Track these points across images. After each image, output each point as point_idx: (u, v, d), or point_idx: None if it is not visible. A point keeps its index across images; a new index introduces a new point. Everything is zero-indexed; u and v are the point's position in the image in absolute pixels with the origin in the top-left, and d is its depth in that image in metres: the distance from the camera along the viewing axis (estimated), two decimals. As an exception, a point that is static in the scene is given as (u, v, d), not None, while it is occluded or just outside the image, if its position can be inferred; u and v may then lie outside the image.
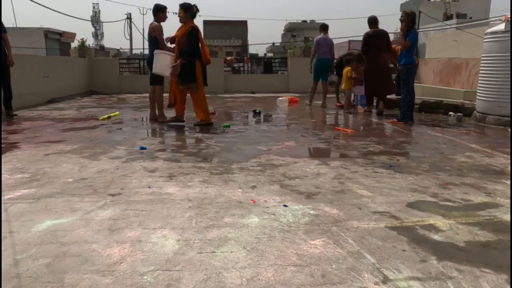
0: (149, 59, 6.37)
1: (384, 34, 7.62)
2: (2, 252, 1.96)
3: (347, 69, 8.18)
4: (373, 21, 7.58)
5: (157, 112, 6.55)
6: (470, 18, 20.15)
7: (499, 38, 5.85)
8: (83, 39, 13.10)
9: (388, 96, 8.33)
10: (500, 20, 6.34)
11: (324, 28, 8.92)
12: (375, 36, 7.47)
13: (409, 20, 6.31)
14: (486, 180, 3.24)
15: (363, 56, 7.74)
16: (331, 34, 9.21)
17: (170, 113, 6.64)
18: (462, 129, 5.84)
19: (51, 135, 5.19)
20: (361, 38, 8.00)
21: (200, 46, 5.86)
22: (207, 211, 2.54)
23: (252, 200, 2.74)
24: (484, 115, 6.19)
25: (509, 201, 2.75)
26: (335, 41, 9.61)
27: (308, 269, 1.83)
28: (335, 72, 9.12)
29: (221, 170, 3.50)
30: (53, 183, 3.12)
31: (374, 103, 8.11)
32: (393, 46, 8.29)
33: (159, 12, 6.18)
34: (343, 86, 8.36)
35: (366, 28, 7.86)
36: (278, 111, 8.15)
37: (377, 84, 7.53)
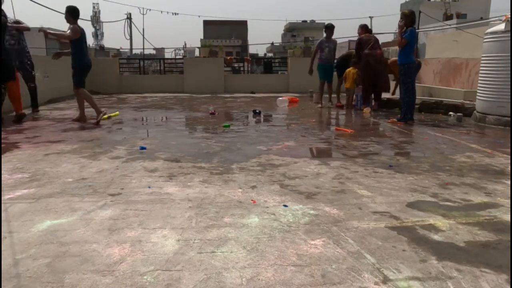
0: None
1: (376, 38, 8.36)
2: (2, 252, 1.96)
3: (351, 70, 8.26)
4: (365, 28, 8.39)
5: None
6: (481, 18, 20.10)
7: (499, 38, 5.85)
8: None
9: (389, 96, 8.41)
10: (500, 20, 6.34)
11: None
12: (368, 39, 8.06)
13: (408, 20, 6.30)
14: (486, 180, 3.24)
15: (358, 58, 8.11)
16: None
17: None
18: (462, 129, 5.84)
19: (51, 135, 5.19)
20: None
21: None
22: (207, 211, 2.54)
23: (252, 200, 2.74)
24: (484, 115, 6.19)
25: (509, 201, 2.75)
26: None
27: (308, 269, 1.83)
28: (335, 73, 9.30)
29: (221, 170, 3.50)
30: (53, 183, 3.12)
31: (373, 103, 8.17)
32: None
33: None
34: (346, 85, 8.43)
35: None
36: (278, 111, 8.15)
37: (378, 83, 7.86)
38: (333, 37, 8.71)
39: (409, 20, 6.30)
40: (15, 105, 6.39)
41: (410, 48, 6.31)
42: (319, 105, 8.65)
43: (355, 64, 8.26)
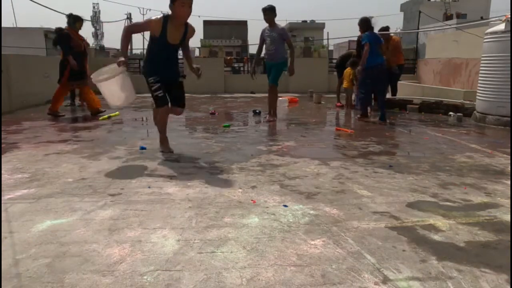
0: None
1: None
2: (2, 252, 1.96)
3: (348, 70, 8.27)
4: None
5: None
6: (481, 18, 20.06)
7: (499, 38, 5.85)
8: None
9: (389, 96, 8.40)
10: (500, 20, 6.34)
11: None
12: None
13: (362, 29, 6.54)
14: (486, 180, 3.24)
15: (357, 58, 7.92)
16: (331, 33, 8.82)
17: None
18: (462, 129, 5.84)
19: (51, 135, 5.19)
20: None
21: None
22: (207, 211, 2.54)
23: (252, 200, 2.74)
24: (484, 115, 6.19)
25: (509, 201, 2.75)
26: (335, 41, 9.41)
27: (308, 269, 1.83)
28: (335, 73, 9.21)
29: (221, 170, 3.50)
30: (53, 183, 3.12)
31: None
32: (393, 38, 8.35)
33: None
34: (344, 85, 8.46)
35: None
36: (278, 111, 8.15)
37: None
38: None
39: (361, 28, 6.53)
40: (90, 104, 7.15)
41: (372, 50, 6.28)
42: (270, 119, 6.50)
43: (352, 64, 8.24)
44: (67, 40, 6.85)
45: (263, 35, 6.32)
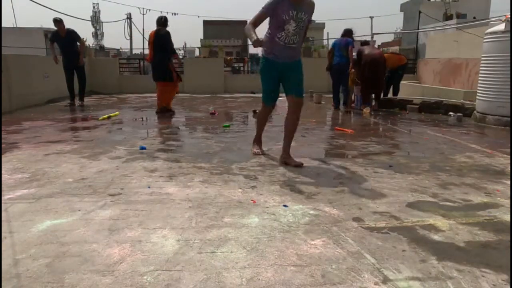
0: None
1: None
2: (2, 252, 1.96)
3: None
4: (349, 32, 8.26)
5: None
6: (474, 18, 20.05)
7: (499, 38, 5.85)
8: (83, 39, 13.03)
9: (389, 96, 8.43)
10: (500, 20, 6.34)
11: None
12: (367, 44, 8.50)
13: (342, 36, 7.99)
14: (486, 180, 3.24)
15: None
16: (331, 33, 9.15)
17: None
18: (462, 129, 5.84)
19: (51, 135, 5.19)
20: (361, 38, 8.38)
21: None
22: (207, 211, 2.54)
23: (252, 200, 2.74)
24: (484, 115, 6.19)
25: (509, 201, 2.75)
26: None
27: (308, 269, 1.83)
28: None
29: (221, 170, 3.50)
30: (53, 183, 3.12)
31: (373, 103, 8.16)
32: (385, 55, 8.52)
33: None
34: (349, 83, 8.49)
35: (366, 28, 8.23)
36: (278, 111, 8.15)
37: (378, 83, 7.85)
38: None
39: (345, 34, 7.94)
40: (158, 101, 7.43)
41: (336, 53, 7.86)
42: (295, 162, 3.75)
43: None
44: (170, 39, 7.13)
45: (279, 12, 3.46)
